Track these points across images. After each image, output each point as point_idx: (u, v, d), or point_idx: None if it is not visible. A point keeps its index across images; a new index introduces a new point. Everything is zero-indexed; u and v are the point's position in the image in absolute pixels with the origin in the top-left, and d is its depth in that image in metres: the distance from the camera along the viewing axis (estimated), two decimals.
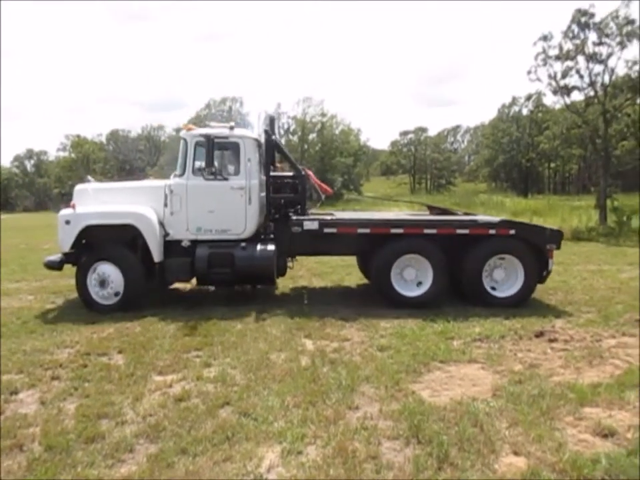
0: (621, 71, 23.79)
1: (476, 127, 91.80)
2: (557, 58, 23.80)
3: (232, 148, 8.29)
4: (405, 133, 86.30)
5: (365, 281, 10.13)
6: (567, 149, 53.34)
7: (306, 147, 59.43)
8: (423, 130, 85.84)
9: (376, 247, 8.23)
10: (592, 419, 4.11)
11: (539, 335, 6.47)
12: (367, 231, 8.20)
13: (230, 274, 7.96)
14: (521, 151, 66.96)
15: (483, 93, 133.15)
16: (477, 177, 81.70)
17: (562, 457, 3.51)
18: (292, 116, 60.28)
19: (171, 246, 8.04)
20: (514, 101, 68.11)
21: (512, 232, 8.26)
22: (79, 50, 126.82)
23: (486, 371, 5.31)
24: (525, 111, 67.97)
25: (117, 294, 7.80)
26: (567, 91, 24.42)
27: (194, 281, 8.51)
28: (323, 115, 60.24)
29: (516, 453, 3.62)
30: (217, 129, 8.24)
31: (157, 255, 7.88)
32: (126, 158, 76.15)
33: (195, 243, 8.06)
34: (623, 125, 25.32)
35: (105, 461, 3.59)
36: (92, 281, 7.79)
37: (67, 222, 7.79)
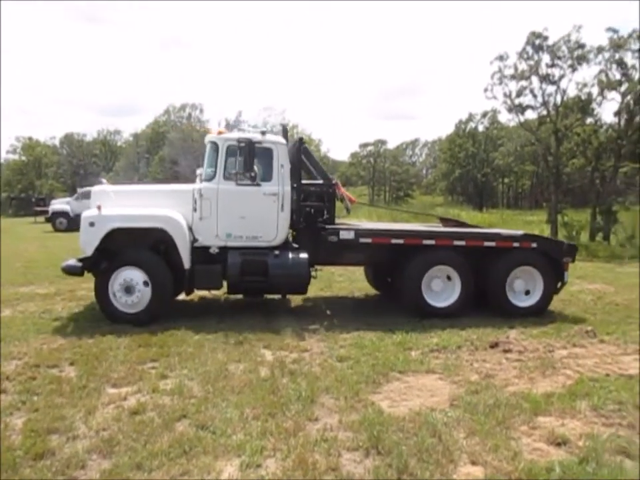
0: (572, 92, 24.78)
1: (434, 141, 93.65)
2: (512, 77, 24.63)
3: (264, 154, 7.98)
4: (364, 145, 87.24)
5: (325, 292, 10.15)
6: (520, 165, 55.15)
7: None
8: (383, 142, 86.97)
9: (406, 257, 8.25)
10: (545, 428, 4.21)
11: (494, 345, 6.61)
12: (401, 241, 8.27)
13: (263, 282, 7.72)
14: (476, 166, 68.65)
15: (441, 109, 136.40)
16: (435, 190, 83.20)
17: (517, 465, 3.58)
18: (252, 125, 60.08)
19: (197, 252, 7.70)
20: (470, 117, 69.83)
21: (533, 245, 8.60)
22: (32, 50, 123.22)
23: (443, 381, 5.38)
24: (480, 127, 69.80)
25: (143, 302, 7.42)
26: (521, 109, 25.28)
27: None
28: (284, 124, 60.34)
29: (473, 463, 3.67)
30: (249, 134, 8.03)
31: (187, 261, 7.53)
32: (80, 162, 74.16)
33: (224, 249, 7.78)
34: (573, 144, 26.33)
35: (55, 478, 3.45)
36: (115, 287, 7.39)
37: (92, 224, 7.35)
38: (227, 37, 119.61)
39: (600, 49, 23.01)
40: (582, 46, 23.13)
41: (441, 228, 9.62)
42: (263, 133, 8.09)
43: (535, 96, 24.63)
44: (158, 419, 4.31)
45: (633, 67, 22.65)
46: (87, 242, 7.38)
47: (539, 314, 8.36)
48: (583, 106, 24.13)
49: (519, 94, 24.72)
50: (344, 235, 8.09)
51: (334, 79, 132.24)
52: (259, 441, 3.94)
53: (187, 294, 8.40)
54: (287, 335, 6.92)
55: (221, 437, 4.01)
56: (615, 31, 22.73)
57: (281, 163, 7.97)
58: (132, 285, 7.37)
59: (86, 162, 74.41)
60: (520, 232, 9.17)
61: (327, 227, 8.29)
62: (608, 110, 44.89)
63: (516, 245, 8.56)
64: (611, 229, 22.45)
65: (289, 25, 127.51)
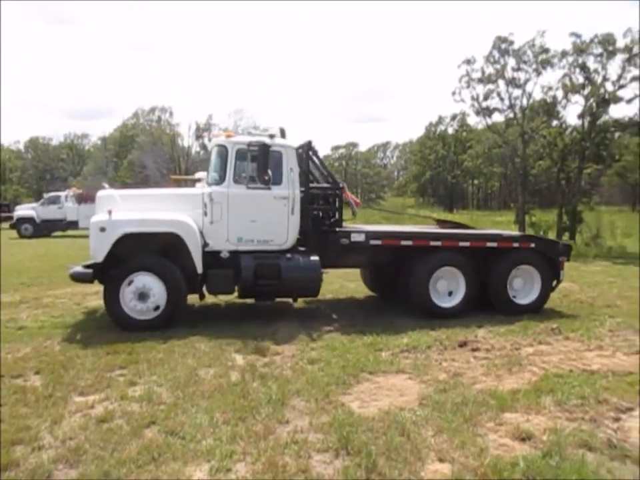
0: (538, 95, 25.35)
1: (405, 144, 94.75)
2: (480, 81, 25.10)
3: (274, 157, 7.84)
4: (336, 148, 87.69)
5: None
6: (489, 167, 56.18)
7: None
8: (354, 145, 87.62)
9: (414, 259, 8.37)
10: (511, 424, 4.30)
11: (463, 344, 6.72)
12: (410, 243, 8.40)
13: (276, 286, 7.69)
14: (446, 168, 69.69)
15: (411, 111, 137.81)
16: (406, 192, 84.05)
17: (483, 461, 3.65)
18: (223, 128, 59.74)
19: (208, 257, 7.60)
20: (440, 120, 70.97)
21: (532, 245, 8.98)
22: None
23: (413, 380, 5.44)
24: (450, 130, 70.94)
25: (156, 308, 7.30)
26: (488, 112, 25.79)
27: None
28: (255, 128, 60.12)
29: (441, 460, 3.73)
30: (258, 137, 7.94)
31: (199, 265, 7.43)
32: (46, 167, 72.72)
33: (234, 253, 7.73)
34: (539, 146, 26.97)
35: None
36: (127, 294, 7.23)
37: (102, 229, 7.14)
38: (197, 40, 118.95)
39: (564, 54, 23.62)
40: (546, 50, 23.72)
41: (447, 230, 9.79)
42: (272, 136, 7.99)
43: (501, 99, 25.18)
44: (126, 426, 4.26)
45: (596, 70, 23.31)
46: (98, 248, 7.18)
47: (537, 311, 8.67)
48: (548, 109, 24.72)
49: (486, 97, 25.23)
50: (355, 237, 8.18)
51: (305, 82, 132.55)
52: (229, 446, 3.93)
53: (200, 299, 8.28)
54: (258, 338, 6.90)
55: (190, 443, 3.98)
56: (578, 36, 23.38)
57: (290, 167, 7.98)
58: (146, 291, 7.26)
59: (52, 166, 73.07)
60: (518, 233, 9.43)
61: (338, 229, 8.37)
62: (572, 113, 46.10)
63: (516, 245, 8.91)
64: (576, 228, 23.02)
65: (260, 28, 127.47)
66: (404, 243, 8.43)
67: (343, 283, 11.45)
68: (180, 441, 4.02)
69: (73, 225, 27.12)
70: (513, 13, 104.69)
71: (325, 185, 8.90)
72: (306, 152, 8.50)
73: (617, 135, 26.22)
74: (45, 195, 31.98)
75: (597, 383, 5.28)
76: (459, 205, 68.42)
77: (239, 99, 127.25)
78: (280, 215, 7.89)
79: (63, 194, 29.97)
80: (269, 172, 7.65)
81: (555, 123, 25.67)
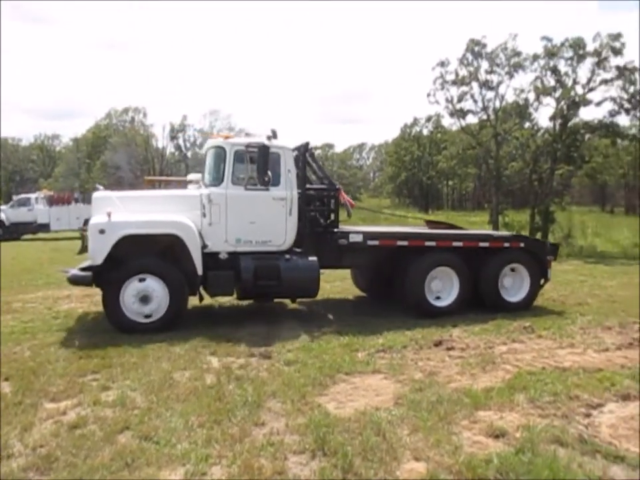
0: (510, 97, 25.75)
1: (380, 145, 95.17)
2: (454, 83, 25.38)
3: (272, 158, 7.86)
4: (312, 149, 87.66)
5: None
6: (463, 168, 56.73)
7: None
8: (330, 146, 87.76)
9: (409, 259, 8.51)
10: (485, 422, 4.35)
11: (438, 344, 6.78)
12: (405, 243, 8.56)
13: (276, 287, 7.71)
14: (421, 169, 70.21)
15: (387, 113, 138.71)
16: (382, 193, 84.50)
17: (458, 459, 3.69)
18: (198, 129, 59.36)
19: (207, 258, 7.56)
20: (415, 121, 71.40)
21: (522, 245, 9.28)
22: None
23: (389, 380, 5.47)
24: (425, 131, 71.45)
25: (160, 310, 7.26)
26: (462, 114, 26.09)
27: None
28: (231, 129, 59.82)
29: (416, 459, 3.76)
30: (256, 139, 7.95)
31: (199, 267, 7.40)
32: (16, 168, 71.21)
33: (233, 255, 7.72)
34: (512, 147, 27.42)
35: None
36: (128, 297, 7.17)
37: (102, 231, 7.06)
38: (171, 39, 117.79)
39: (535, 57, 24.03)
40: (518, 54, 24.10)
41: (441, 230, 10.01)
42: (269, 137, 8.01)
43: (475, 101, 25.49)
44: (99, 432, 4.19)
45: (566, 74, 23.77)
46: (97, 250, 7.10)
47: (526, 308, 8.94)
48: (521, 111, 25.13)
49: (460, 99, 25.51)
50: (353, 237, 8.32)
51: (281, 83, 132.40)
52: (204, 449, 3.89)
53: (200, 301, 8.24)
54: (233, 340, 6.86)
55: (165, 447, 3.94)
56: (549, 40, 23.81)
57: (288, 168, 8.05)
58: (148, 294, 7.22)
59: (22, 168, 71.57)
60: (508, 233, 9.90)
61: (337, 230, 8.49)
62: (544, 115, 46.93)
63: (507, 245, 9.20)
64: (548, 228, 23.44)
65: (235, 29, 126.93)
66: (400, 243, 8.59)
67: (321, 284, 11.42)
68: (154, 445, 3.97)
69: (44, 227, 26.60)
70: (485, 16, 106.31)
71: (322, 186, 9.00)
72: (303, 153, 8.58)
73: (587, 136, 26.80)
74: (15, 197, 31.32)
75: (568, 380, 5.38)
76: (434, 205, 69.02)
77: (214, 100, 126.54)
78: (278, 216, 7.94)
79: (33, 196, 29.36)
80: (269, 173, 7.73)
81: (527, 124, 26.12)
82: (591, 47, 23.01)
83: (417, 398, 4.86)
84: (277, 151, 7.97)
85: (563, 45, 23.38)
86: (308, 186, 8.62)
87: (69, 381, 5.35)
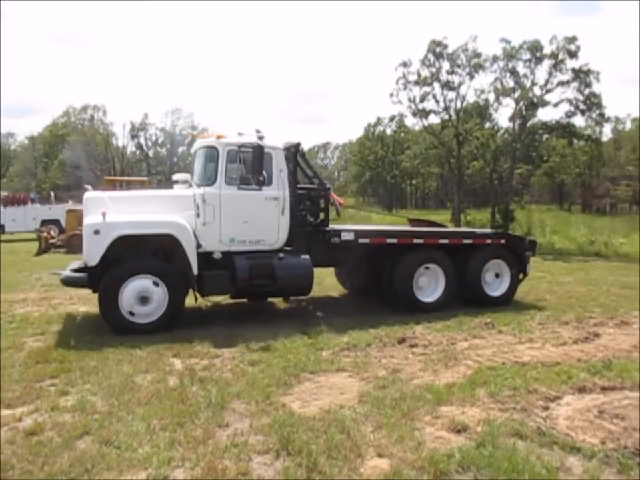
0: (471, 98, 26.27)
1: (344, 145, 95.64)
2: (416, 83, 25.73)
3: (264, 158, 7.88)
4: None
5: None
6: (426, 167, 57.62)
7: (175, 159, 57.85)
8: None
9: (398, 256, 8.73)
10: (447, 417, 4.43)
11: (401, 341, 6.86)
12: (395, 241, 8.80)
13: (271, 285, 7.77)
14: (385, 168, 70.85)
15: (351, 113, 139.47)
16: (346, 192, 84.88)
17: (420, 454, 3.74)
18: (160, 128, 58.48)
19: (201, 258, 7.51)
20: (379, 121, 72.01)
21: (502, 241, 9.65)
22: None
23: (353, 378, 5.51)
24: (388, 131, 72.14)
25: (159, 310, 7.22)
26: (424, 114, 26.47)
27: None
28: (194, 127, 59.19)
29: (380, 455, 3.79)
30: (249, 139, 7.91)
31: (195, 267, 7.37)
32: None
33: (227, 254, 7.72)
34: (473, 147, 27.93)
35: None
36: (127, 298, 7.08)
37: (96, 232, 6.95)
38: (132, 36, 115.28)
39: (495, 58, 24.58)
40: (478, 55, 24.60)
41: (428, 228, 10.38)
42: (261, 137, 7.96)
43: (437, 101, 25.92)
44: (57, 438, 4.08)
45: (525, 75, 24.40)
46: (92, 251, 7.01)
47: (507, 303, 9.34)
48: (481, 111, 25.70)
49: (422, 99, 25.89)
50: (345, 236, 8.48)
51: (245, 82, 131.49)
52: (167, 452, 3.84)
53: (196, 300, 8.18)
54: (197, 341, 6.78)
55: (126, 451, 3.86)
56: (508, 42, 24.38)
57: (280, 168, 8.14)
58: (148, 295, 7.18)
59: None
60: (490, 230, 10.43)
61: (329, 228, 8.64)
62: (503, 115, 48.06)
63: (489, 241, 9.58)
64: (508, 226, 24.01)
65: (199, 26, 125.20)
66: (390, 241, 8.81)
67: None
68: (115, 450, 3.89)
69: None
70: (446, 16, 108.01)
71: (312, 185, 9.11)
72: (294, 153, 8.67)
73: (544, 137, 27.56)
74: None
75: (527, 374, 5.52)
76: (397, 204, 69.81)
77: (176, 98, 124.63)
78: (271, 216, 8.02)
79: None
80: (264, 173, 7.81)
81: (487, 124, 26.71)
82: (547, 49, 23.67)
83: (381, 395, 4.90)
84: (269, 151, 8.04)
85: (521, 47, 23.97)
86: (299, 185, 8.76)
87: (25, 386, 5.18)
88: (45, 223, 22.97)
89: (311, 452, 3.76)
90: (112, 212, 7.17)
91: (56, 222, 23.32)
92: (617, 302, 9.86)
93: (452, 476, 3.53)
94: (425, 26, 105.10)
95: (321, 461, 3.67)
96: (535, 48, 23.73)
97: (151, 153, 59.39)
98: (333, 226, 8.99)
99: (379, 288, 9.34)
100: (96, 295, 9.86)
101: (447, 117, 26.25)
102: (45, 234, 18.14)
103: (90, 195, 7.90)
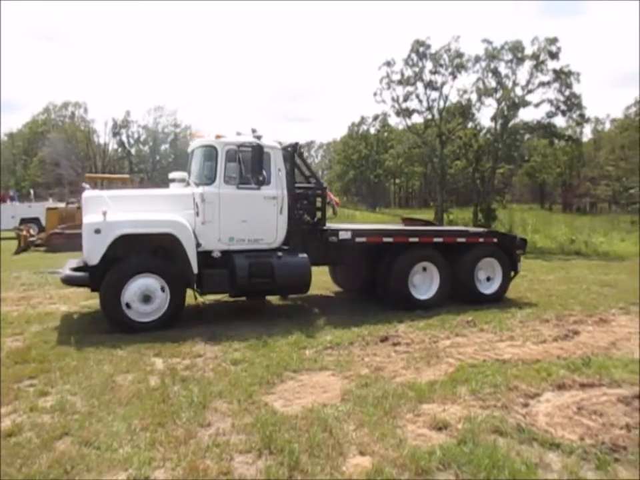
0: (454, 98, 26.44)
1: (328, 143, 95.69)
2: (399, 83, 25.84)
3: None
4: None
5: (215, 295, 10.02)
6: (410, 166, 57.80)
7: (158, 157, 57.34)
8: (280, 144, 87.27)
9: (394, 255, 8.87)
10: (429, 414, 4.45)
11: (384, 339, 6.89)
12: (391, 240, 8.90)
13: (270, 284, 7.85)
14: (369, 167, 71.03)
15: (335, 112, 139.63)
16: (330, 191, 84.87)
17: (402, 452, 3.76)
18: (142, 125, 57.92)
19: (200, 257, 7.56)
20: (362, 120, 72.21)
21: (495, 240, 9.81)
22: None
23: (336, 377, 5.51)
24: (372, 130, 72.36)
25: (161, 309, 7.27)
26: (408, 113, 26.60)
27: None
28: (176, 125, 58.78)
29: (362, 453, 3.80)
30: (246, 138, 8.00)
31: (195, 266, 7.43)
32: None
33: (226, 253, 7.80)
34: (455, 147, 28.13)
35: None
36: (130, 297, 7.11)
37: (97, 231, 6.97)
38: (114, 32, 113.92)
39: (477, 59, 24.78)
40: (460, 55, 24.77)
41: (423, 227, 10.52)
42: (259, 137, 8.05)
43: (420, 101, 26.06)
44: (36, 439, 4.02)
45: (506, 75, 24.64)
46: (92, 250, 7.03)
47: (499, 300, 9.50)
48: (464, 111, 25.85)
49: (406, 98, 26.02)
50: (343, 235, 8.59)
51: (229, 80, 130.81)
52: (148, 452, 3.80)
53: (195, 299, 8.31)
54: (179, 341, 6.73)
55: (106, 452, 3.82)
56: (490, 42, 24.59)
57: (278, 167, 8.19)
58: (150, 293, 7.21)
59: None
60: (483, 229, 10.68)
61: (326, 227, 8.74)
62: (485, 115, 48.51)
63: (481, 240, 9.78)
64: (490, 225, 24.24)
65: (182, 23, 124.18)
66: (386, 239, 8.94)
67: None
68: (95, 451, 3.85)
69: None
70: (430, 17, 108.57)
71: (309, 185, 9.19)
72: (291, 153, 8.70)
73: (526, 137, 27.86)
74: None
75: (508, 372, 5.57)
76: (381, 203, 70.02)
77: (159, 95, 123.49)
78: (269, 215, 8.09)
79: None
80: (264, 173, 7.89)
81: (470, 124, 26.90)
82: (529, 50, 23.93)
83: (363, 393, 4.92)
84: (268, 150, 8.09)
85: (502, 47, 24.20)
86: (296, 185, 8.82)
87: (3, 387, 5.10)
88: (24, 221, 22.66)
89: (293, 451, 3.76)
90: (112, 211, 7.19)
91: (36, 220, 23.04)
92: (596, 300, 10.01)
93: (433, 473, 3.55)
94: (409, 26, 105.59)
95: (303, 460, 3.67)
96: (516, 49, 23.98)
97: (133, 151, 58.79)
98: (329, 225, 9.09)
99: (373, 286, 9.51)
100: (76, 294, 9.90)
101: (430, 116, 26.42)
102: (24, 232, 17.90)
103: (89, 194, 7.90)
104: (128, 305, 7.16)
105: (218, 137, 8.06)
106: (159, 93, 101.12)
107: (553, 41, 23.50)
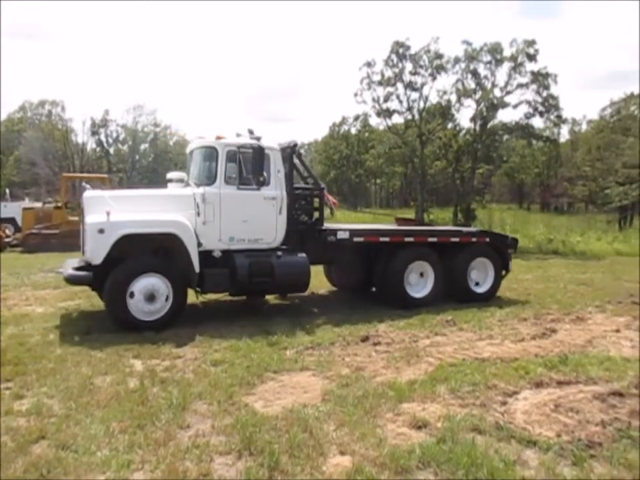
0: (434, 98, 26.64)
1: (310, 143, 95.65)
2: (380, 83, 25.94)
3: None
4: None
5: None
6: (390, 166, 58.05)
7: (137, 157, 56.72)
8: None
9: (389, 254, 9.09)
10: (408, 414, 4.48)
11: (365, 339, 6.91)
12: (387, 239, 9.11)
13: (270, 283, 7.96)
14: (350, 167, 71.13)
15: (316, 112, 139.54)
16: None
17: (382, 451, 3.78)
18: (122, 124, 57.22)
19: (201, 256, 7.63)
20: (343, 120, 72.21)
21: (487, 239, 10.06)
22: None
23: (316, 377, 5.52)
24: (353, 130, 72.48)
25: (164, 308, 7.37)
26: (388, 113, 26.70)
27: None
28: (156, 125, 58.22)
29: (342, 453, 3.81)
30: (246, 140, 8.14)
31: (197, 265, 7.52)
32: None
33: (226, 252, 7.90)
34: (436, 147, 28.34)
35: None
36: (135, 296, 7.17)
37: (101, 230, 7.01)
38: (92, 29, 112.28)
39: (456, 60, 24.99)
40: (440, 56, 24.95)
41: (417, 227, 10.86)
42: (258, 138, 8.17)
43: (400, 101, 26.19)
44: (11, 443, 3.95)
45: (485, 77, 24.90)
46: (95, 250, 7.07)
47: (491, 298, 9.77)
48: (444, 112, 26.05)
49: (386, 99, 26.12)
50: (341, 235, 8.77)
51: (209, 79, 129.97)
52: (126, 455, 3.76)
53: (197, 297, 8.43)
54: (159, 342, 6.67)
55: (84, 455, 3.77)
56: (469, 44, 24.82)
57: (277, 168, 8.31)
58: (154, 292, 7.30)
59: None
60: (476, 229, 10.87)
61: (325, 227, 8.89)
62: (465, 116, 48.91)
63: (474, 239, 9.96)
64: (470, 225, 24.48)
65: (160, 22, 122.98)
66: (382, 239, 9.13)
67: None
68: (72, 454, 3.79)
69: None
70: (409, 17, 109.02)
71: (307, 185, 9.34)
72: (290, 154, 8.79)
73: (505, 137, 28.19)
74: None
75: (486, 370, 5.64)
76: (362, 203, 70.21)
77: (138, 94, 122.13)
78: (269, 215, 8.21)
79: None
80: (265, 173, 8.05)
81: (449, 125, 27.13)
82: (507, 52, 24.21)
83: (344, 393, 4.93)
84: (267, 151, 8.21)
85: (481, 49, 24.44)
86: (295, 185, 8.95)
87: None
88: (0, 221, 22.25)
89: (273, 451, 3.75)
90: (114, 211, 7.24)
91: (11, 220, 22.63)
92: (573, 298, 10.18)
93: (413, 472, 3.58)
94: (389, 26, 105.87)
95: (283, 460, 3.66)
96: (495, 50, 24.24)
97: (111, 150, 58.06)
98: (327, 225, 9.22)
99: (368, 285, 9.90)
100: (53, 296, 9.77)
101: (410, 117, 26.57)
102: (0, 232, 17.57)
103: (90, 193, 7.93)
104: (133, 305, 7.21)
105: (218, 138, 8.16)
106: (139, 91, 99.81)
107: (531, 43, 23.82)
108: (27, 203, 25.60)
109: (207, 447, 3.90)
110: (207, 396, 4.89)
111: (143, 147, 58.25)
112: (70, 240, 18.97)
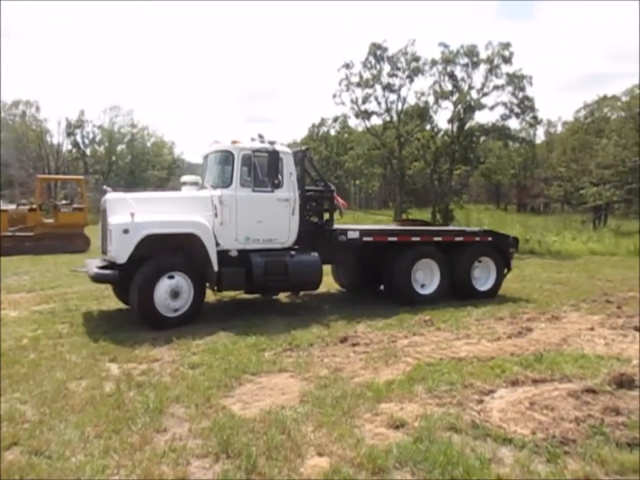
0: (412, 100, 26.84)
1: (289, 144, 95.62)
2: (358, 85, 26.05)
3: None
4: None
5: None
6: (370, 167, 58.31)
7: (114, 158, 55.96)
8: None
9: (398, 253, 9.42)
10: (386, 414, 4.50)
11: (343, 340, 6.92)
12: (395, 239, 9.48)
13: (284, 281, 8.29)
14: (329, 169, 71.21)
15: (295, 113, 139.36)
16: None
17: (360, 451, 3.79)
18: (98, 125, 56.34)
19: (218, 256, 7.97)
20: (322, 121, 72.34)
21: (490, 239, 10.31)
22: None
23: (295, 378, 5.51)
24: (332, 132, 72.64)
25: (186, 305, 7.72)
26: (367, 115, 26.84)
27: None
28: (133, 125, 57.48)
29: (320, 454, 3.81)
30: (261, 144, 8.47)
31: (215, 264, 7.86)
32: None
33: (242, 252, 8.22)
34: (414, 148, 28.54)
35: None
36: (161, 293, 7.51)
37: (125, 231, 7.34)
38: (68, 27, 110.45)
39: (433, 62, 25.21)
40: (417, 59, 25.16)
41: (423, 227, 11.11)
42: (272, 142, 8.52)
43: (379, 103, 26.35)
44: None
45: (462, 79, 25.16)
46: (120, 249, 7.36)
47: (493, 296, 10.04)
48: (421, 113, 26.26)
49: (365, 100, 26.26)
50: (351, 234, 9.15)
51: (188, 80, 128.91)
52: (101, 460, 3.71)
53: (215, 295, 8.86)
54: (135, 345, 6.60)
55: (58, 461, 3.71)
56: (446, 46, 25.06)
57: (290, 171, 8.69)
58: (179, 290, 7.64)
59: None
60: (478, 228, 11.22)
61: (335, 228, 9.26)
62: (442, 117, 49.41)
63: (477, 239, 10.22)
64: (448, 225, 24.68)
65: (141, 21, 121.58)
66: (390, 239, 9.50)
67: None
68: (46, 460, 3.73)
69: None
70: (387, 19, 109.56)
71: (318, 187, 9.65)
72: (301, 158, 9.20)
73: (481, 139, 28.52)
74: None
75: (463, 369, 5.69)
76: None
77: (115, 94, 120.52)
78: (282, 216, 8.57)
79: None
80: (279, 176, 8.42)
81: (427, 126, 27.34)
82: (483, 54, 24.51)
83: (322, 394, 4.93)
84: (281, 155, 8.54)
85: (458, 52, 24.70)
86: (307, 187, 9.27)
87: None
88: None
89: (250, 454, 3.74)
90: (137, 212, 7.52)
91: None
92: (549, 297, 10.33)
93: (390, 471, 3.59)
94: (368, 28, 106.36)
95: (260, 462, 3.65)
96: (471, 53, 24.52)
97: (88, 151, 57.17)
98: (337, 225, 9.53)
99: (376, 284, 10.30)
100: (27, 299, 9.62)
101: (388, 118, 26.73)
102: None
103: (112, 196, 8.23)
104: (159, 302, 7.51)
105: (234, 142, 8.50)
106: (115, 91, 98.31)
107: (506, 45, 24.15)
108: (0, 205, 25.10)
109: (183, 450, 3.87)
110: (184, 399, 4.85)
111: (120, 148, 57.43)
112: (45, 242, 18.74)
